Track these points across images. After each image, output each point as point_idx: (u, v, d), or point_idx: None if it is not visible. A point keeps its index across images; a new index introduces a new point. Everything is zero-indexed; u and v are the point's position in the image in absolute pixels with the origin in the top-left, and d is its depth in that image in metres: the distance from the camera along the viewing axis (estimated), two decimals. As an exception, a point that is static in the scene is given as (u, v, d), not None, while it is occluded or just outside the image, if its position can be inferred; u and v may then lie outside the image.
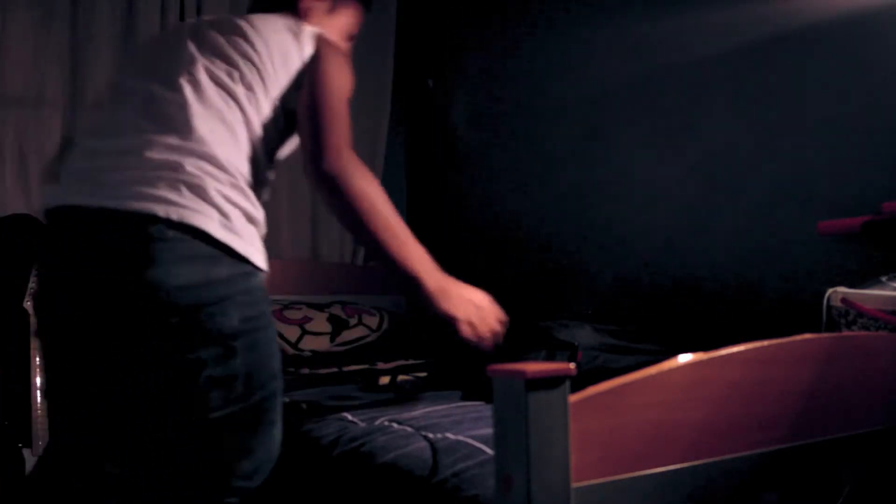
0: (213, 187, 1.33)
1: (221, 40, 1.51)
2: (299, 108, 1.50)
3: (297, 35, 1.56)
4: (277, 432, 1.46)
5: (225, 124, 1.41)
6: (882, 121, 2.07)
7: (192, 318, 1.31)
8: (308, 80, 1.51)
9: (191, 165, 1.34)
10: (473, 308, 1.47)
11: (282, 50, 1.53)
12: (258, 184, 1.48)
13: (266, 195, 1.54)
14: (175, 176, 1.33)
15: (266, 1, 1.72)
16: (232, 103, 1.44)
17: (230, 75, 1.47)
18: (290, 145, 1.61)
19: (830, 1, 2.18)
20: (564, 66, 2.99)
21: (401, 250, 1.41)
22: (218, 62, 1.48)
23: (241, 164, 1.41)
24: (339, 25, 1.77)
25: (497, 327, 1.50)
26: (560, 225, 2.99)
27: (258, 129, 1.46)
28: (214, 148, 1.37)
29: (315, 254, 3.40)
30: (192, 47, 1.51)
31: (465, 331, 1.46)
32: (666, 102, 2.63)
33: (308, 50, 1.55)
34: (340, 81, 1.52)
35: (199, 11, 3.14)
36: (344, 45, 1.78)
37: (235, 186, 1.38)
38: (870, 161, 2.09)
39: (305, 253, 3.38)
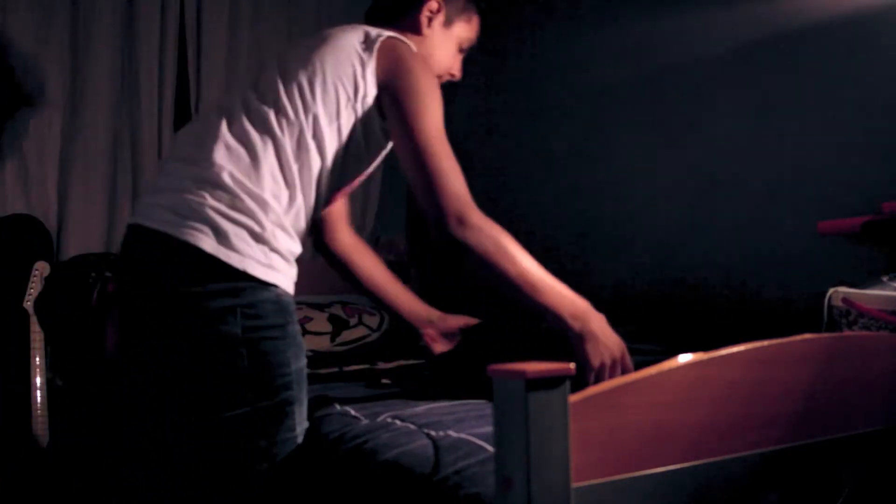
0: (210, 206, 1.43)
1: (276, 73, 1.56)
2: (397, 150, 1.54)
3: (363, 63, 1.53)
4: (297, 438, 1.51)
5: (247, 151, 1.48)
6: (882, 121, 2.07)
7: (201, 321, 1.43)
8: (394, 120, 1.50)
9: (197, 187, 1.46)
10: (609, 357, 1.46)
11: (338, 80, 1.52)
12: (293, 204, 1.51)
13: (308, 213, 1.56)
14: (184, 197, 1.46)
15: (385, 11, 1.72)
16: (264, 132, 1.49)
17: (266, 103, 1.52)
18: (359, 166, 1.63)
19: (830, 1, 2.18)
20: (564, 66, 2.99)
21: (541, 299, 1.44)
22: (263, 93, 1.54)
23: (255, 187, 1.46)
24: (456, 36, 1.75)
25: (618, 372, 1.47)
26: (560, 224, 2.99)
27: (291, 155, 1.49)
28: (222, 172, 1.45)
29: (315, 254, 3.40)
30: (252, 80, 1.60)
31: (590, 379, 1.45)
32: (666, 102, 2.63)
33: (370, 76, 1.52)
34: (428, 113, 1.49)
35: (199, 11, 3.14)
36: (456, 57, 1.77)
37: (237, 207, 1.44)
38: (870, 161, 2.09)
39: (305, 253, 3.37)
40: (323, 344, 2.79)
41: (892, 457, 1.35)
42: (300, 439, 1.52)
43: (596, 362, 1.43)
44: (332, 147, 1.53)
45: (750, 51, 2.37)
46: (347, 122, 1.53)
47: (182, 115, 3.14)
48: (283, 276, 1.49)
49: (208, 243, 1.42)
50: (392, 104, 1.51)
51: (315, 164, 1.52)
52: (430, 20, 1.70)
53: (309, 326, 2.80)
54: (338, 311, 2.93)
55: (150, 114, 3.03)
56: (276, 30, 3.28)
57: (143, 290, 1.50)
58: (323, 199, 1.58)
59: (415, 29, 1.69)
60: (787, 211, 2.28)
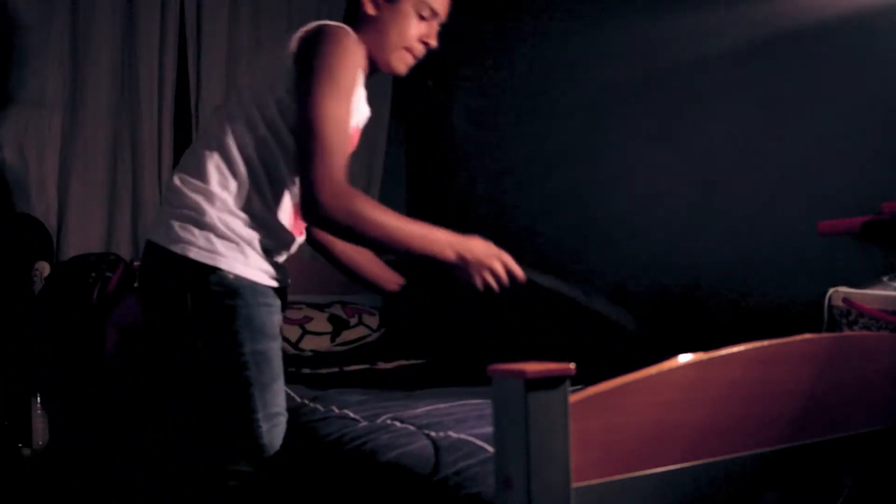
0: (165, 210, 1.60)
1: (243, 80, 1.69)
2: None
3: (287, 49, 1.56)
4: (261, 423, 1.53)
5: (197, 155, 1.60)
6: (882, 120, 2.07)
7: (170, 310, 1.58)
8: (299, 93, 1.53)
9: (167, 197, 1.62)
10: (487, 272, 1.55)
11: (266, 73, 1.60)
12: (242, 192, 1.57)
13: (271, 197, 1.61)
14: (161, 207, 1.65)
15: (346, 8, 1.73)
16: (214, 137, 1.60)
17: (221, 110, 1.64)
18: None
19: (831, 1, 2.18)
20: (564, 66, 2.99)
21: (411, 247, 1.49)
22: (226, 102, 1.67)
23: (200, 181, 1.57)
24: (411, 7, 1.67)
25: (504, 280, 1.58)
26: (560, 224, 2.99)
27: (235, 150, 1.57)
28: (175, 177, 1.61)
29: (315, 254, 3.40)
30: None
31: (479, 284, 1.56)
32: (666, 102, 2.63)
33: (290, 60, 1.55)
34: (330, 92, 1.50)
35: (199, 10, 3.14)
36: (420, 25, 1.69)
37: (181, 202, 1.57)
38: (870, 161, 2.09)
39: (305, 253, 3.38)
40: (323, 344, 2.79)
41: (892, 457, 1.35)
42: (265, 425, 1.53)
43: (479, 281, 1.54)
44: (272, 131, 1.57)
45: (750, 51, 2.37)
46: (281, 106, 1.56)
47: (182, 115, 3.14)
48: (230, 260, 1.54)
49: (159, 237, 1.56)
50: (298, 79, 1.54)
51: (261, 151, 1.57)
52: (370, 2, 1.68)
53: (309, 326, 2.81)
54: (338, 311, 2.93)
55: (150, 114, 3.03)
56: (276, 30, 3.28)
57: (143, 292, 1.64)
58: (287, 180, 1.61)
59: (364, 13, 1.68)
60: (787, 211, 2.28)
